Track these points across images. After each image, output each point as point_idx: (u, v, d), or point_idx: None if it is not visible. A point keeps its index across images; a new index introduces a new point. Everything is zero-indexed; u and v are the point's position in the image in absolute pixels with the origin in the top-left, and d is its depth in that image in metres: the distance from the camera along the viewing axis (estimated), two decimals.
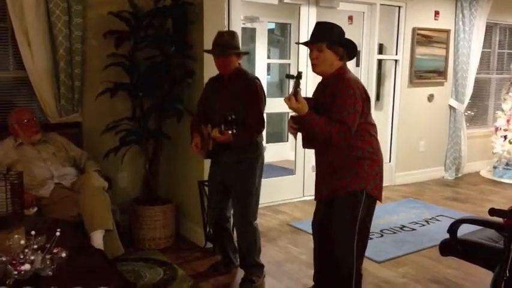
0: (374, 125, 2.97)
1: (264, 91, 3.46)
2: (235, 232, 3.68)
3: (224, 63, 3.39)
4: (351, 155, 2.85)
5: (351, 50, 2.94)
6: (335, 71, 2.88)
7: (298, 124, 2.86)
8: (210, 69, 3.74)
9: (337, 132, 2.71)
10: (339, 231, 2.95)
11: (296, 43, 3.18)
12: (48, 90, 4.00)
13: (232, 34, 3.46)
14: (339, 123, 2.71)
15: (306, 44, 2.97)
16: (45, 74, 3.97)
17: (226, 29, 4.44)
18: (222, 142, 3.23)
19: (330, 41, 2.85)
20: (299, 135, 3.03)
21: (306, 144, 3.08)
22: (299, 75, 2.75)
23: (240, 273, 3.71)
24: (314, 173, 3.14)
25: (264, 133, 3.61)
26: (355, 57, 3.24)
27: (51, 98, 4.03)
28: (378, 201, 2.99)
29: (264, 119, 3.42)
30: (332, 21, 2.95)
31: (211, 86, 3.59)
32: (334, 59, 2.87)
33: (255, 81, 3.41)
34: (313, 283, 3.37)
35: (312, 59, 2.90)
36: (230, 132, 3.16)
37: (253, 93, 3.37)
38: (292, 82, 2.84)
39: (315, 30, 2.93)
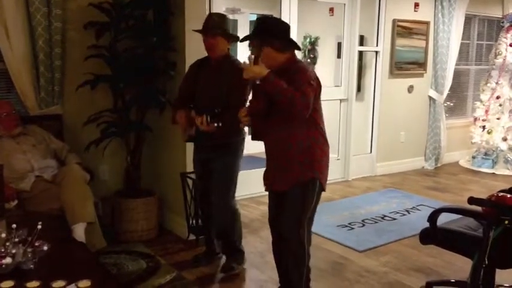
0: (321, 114, 2.94)
1: None
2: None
3: (212, 45, 3.37)
4: (304, 144, 2.83)
5: (287, 40, 2.87)
6: (285, 61, 2.85)
7: (250, 114, 2.89)
8: (192, 60, 3.72)
9: (300, 96, 2.65)
10: (289, 220, 2.91)
11: (240, 40, 3.20)
12: (28, 82, 3.95)
13: (222, 16, 3.46)
14: (300, 92, 2.67)
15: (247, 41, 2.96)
16: (25, 65, 3.91)
17: None
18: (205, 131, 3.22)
19: (259, 37, 2.84)
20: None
21: (256, 135, 3.03)
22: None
23: None
24: None
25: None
26: (337, 49, 3.21)
27: (30, 90, 3.98)
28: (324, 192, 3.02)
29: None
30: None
31: (197, 68, 3.55)
32: (274, 53, 2.83)
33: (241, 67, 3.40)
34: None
35: (256, 57, 2.83)
36: (216, 125, 3.15)
37: (239, 78, 3.36)
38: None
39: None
